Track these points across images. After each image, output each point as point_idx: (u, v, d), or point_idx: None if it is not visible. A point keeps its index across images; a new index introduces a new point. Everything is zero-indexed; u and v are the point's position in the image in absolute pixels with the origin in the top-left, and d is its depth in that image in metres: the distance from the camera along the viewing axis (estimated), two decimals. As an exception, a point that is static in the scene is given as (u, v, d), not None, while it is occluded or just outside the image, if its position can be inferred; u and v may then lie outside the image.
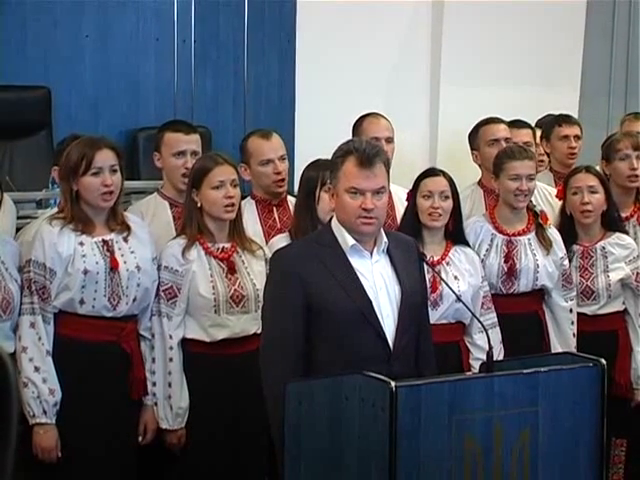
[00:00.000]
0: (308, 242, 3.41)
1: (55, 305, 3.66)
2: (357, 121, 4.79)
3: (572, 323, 4.42)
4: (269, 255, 3.84)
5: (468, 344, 4.11)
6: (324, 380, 3.07)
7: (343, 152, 3.27)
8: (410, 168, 4.64)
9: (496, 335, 4.10)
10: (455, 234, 4.14)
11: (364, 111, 4.87)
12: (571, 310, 4.43)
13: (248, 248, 3.94)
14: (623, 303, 4.54)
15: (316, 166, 4.03)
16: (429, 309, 3.93)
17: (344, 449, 2.97)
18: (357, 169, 3.23)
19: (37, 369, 3.60)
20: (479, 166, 4.93)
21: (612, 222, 4.55)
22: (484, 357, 3.12)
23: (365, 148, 3.26)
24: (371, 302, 3.24)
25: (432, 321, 3.92)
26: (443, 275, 4.02)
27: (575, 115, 6.14)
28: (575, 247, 4.52)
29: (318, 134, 6.12)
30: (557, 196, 4.68)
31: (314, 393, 3.06)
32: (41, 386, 3.60)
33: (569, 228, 4.52)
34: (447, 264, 4.10)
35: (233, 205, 3.85)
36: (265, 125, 4.99)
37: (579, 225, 4.54)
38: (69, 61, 6.02)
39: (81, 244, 3.68)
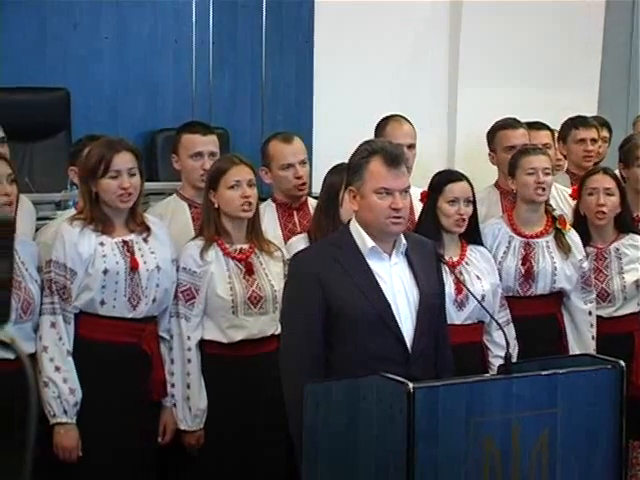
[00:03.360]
0: (326, 244, 3.42)
1: (76, 305, 3.69)
2: (380, 123, 4.77)
3: (591, 326, 4.42)
4: (287, 256, 3.86)
5: (487, 342, 4.12)
6: (342, 382, 3.09)
7: (367, 152, 3.26)
8: (427, 169, 4.64)
9: (511, 331, 4.13)
10: (471, 235, 4.15)
11: (382, 113, 4.87)
12: (590, 313, 4.43)
13: (266, 249, 3.95)
14: (638, 304, 4.54)
15: (338, 171, 4.04)
16: (455, 310, 3.94)
17: (361, 451, 2.98)
18: (385, 169, 3.23)
19: (58, 369, 3.63)
20: (496, 166, 4.92)
21: (625, 224, 4.55)
22: (503, 355, 3.13)
23: (390, 148, 3.26)
24: (389, 305, 3.25)
25: (459, 322, 3.95)
26: (465, 276, 4.03)
27: (594, 114, 6.14)
28: (589, 249, 4.52)
29: (336, 135, 6.12)
30: (571, 196, 4.67)
31: (332, 395, 3.08)
32: (62, 386, 3.62)
33: (582, 229, 4.52)
34: (467, 264, 4.11)
35: (250, 204, 3.87)
36: (283, 127, 5.02)
37: (592, 226, 4.54)
38: (87, 62, 6.05)
39: (101, 244, 3.70)
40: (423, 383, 2.93)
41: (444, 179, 4.11)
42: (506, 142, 4.84)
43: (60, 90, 5.92)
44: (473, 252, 4.15)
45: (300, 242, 3.97)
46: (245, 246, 3.93)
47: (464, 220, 4.05)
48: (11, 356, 3.26)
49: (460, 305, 4.00)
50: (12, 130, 4.84)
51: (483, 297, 3.99)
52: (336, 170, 4.03)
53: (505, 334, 3.41)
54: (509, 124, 4.91)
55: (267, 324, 3.88)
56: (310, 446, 3.13)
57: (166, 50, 6.25)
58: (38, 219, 4.28)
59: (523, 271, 4.33)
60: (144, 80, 6.19)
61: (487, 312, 3.69)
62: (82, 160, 3.80)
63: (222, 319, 3.85)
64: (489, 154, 4.93)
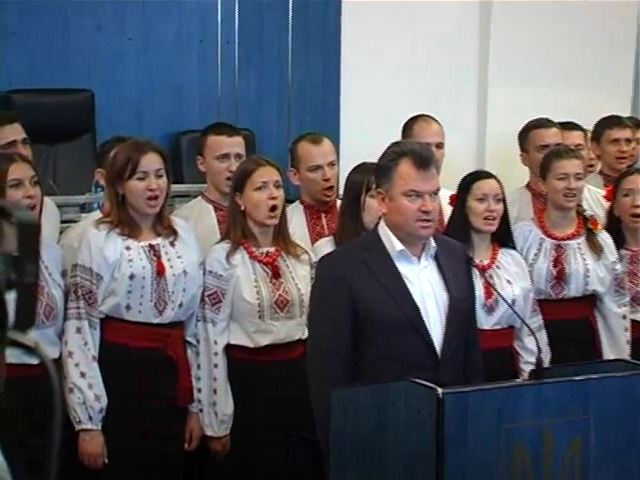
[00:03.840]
0: (354, 247, 3.42)
1: (101, 310, 3.71)
2: (407, 123, 4.78)
3: (625, 330, 4.39)
4: (314, 259, 3.86)
5: (518, 348, 4.10)
6: (370, 387, 3.09)
7: (396, 154, 3.26)
8: (457, 171, 4.63)
9: (543, 337, 4.10)
10: (502, 237, 4.14)
11: (411, 113, 4.87)
12: (624, 316, 4.41)
13: (293, 252, 3.95)
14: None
15: (360, 170, 4.04)
16: (485, 315, 3.93)
17: (390, 456, 2.98)
18: (415, 171, 3.23)
19: (83, 375, 3.65)
20: (528, 167, 4.90)
21: None
22: (534, 361, 3.12)
23: (420, 150, 3.26)
24: (418, 309, 3.25)
25: (488, 327, 3.93)
26: (496, 280, 4.02)
27: (628, 115, 6.10)
28: (623, 252, 4.50)
29: (364, 137, 6.12)
30: (606, 197, 4.65)
31: (360, 400, 3.08)
32: (87, 392, 3.64)
33: (616, 231, 4.49)
34: (497, 268, 4.09)
35: (276, 208, 3.87)
36: (309, 128, 5.02)
37: (626, 228, 4.51)
38: (112, 64, 6.08)
39: (128, 248, 3.72)
40: (452, 388, 2.93)
41: (472, 177, 4.11)
42: (539, 141, 4.82)
43: (85, 92, 5.94)
44: (505, 256, 4.13)
45: (326, 245, 3.98)
46: (272, 249, 3.94)
47: (494, 218, 4.03)
48: (34, 361, 3.27)
49: (489, 310, 3.99)
50: (36, 132, 4.87)
51: (514, 302, 3.98)
52: (357, 170, 4.04)
53: (537, 339, 3.39)
54: (542, 123, 4.90)
55: (294, 328, 3.89)
56: (338, 452, 3.13)
57: (191, 51, 6.26)
58: (62, 222, 4.31)
59: (555, 273, 4.32)
60: (169, 81, 6.21)
61: (518, 316, 3.68)
62: (109, 162, 3.82)
63: (248, 323, 3.86)
64: (520, 154, 4.92)
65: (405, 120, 4.84)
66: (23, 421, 3.47)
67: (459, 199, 4.11)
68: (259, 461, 3.85)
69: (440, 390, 2.85)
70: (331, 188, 4.34)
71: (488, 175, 4.12)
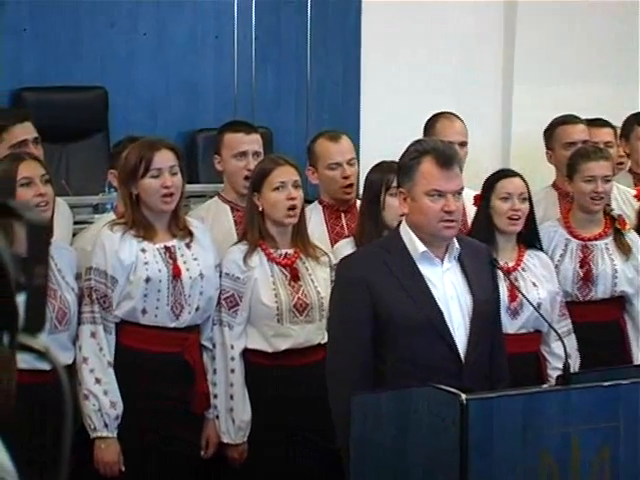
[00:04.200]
0: (375, 248, 3.42)
1: (117, 314, 3.72)
2: (430, 120, 4.77)
3: (657, 332, 4.38)
4: (334, 261, 3.86)
5: (545, 353, 4.09)
6: (391, 392, 3.09)
7: (419, 153, 3.26)
8: (481, 170, 4.63)
9: (572, 343, 4.08)
10: (528, 238, 4.13)
11: (433, 110, 4.86)
12: (655, 319, 4.39)
13: (312, 254, 3.96)
14: None
15: (379, 169, 4.04)
16: (509, 319, 3.92)
17: (411, 464, 2.98)
18: (438, 170, 3.23)
19: (98, 381, 3.66)
20: (554, 166, 4.89)
21: None
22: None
23: (443, 148, 3.26)
24: (441, 312, 3.25)
25: (512, 331, 3.92)
26: (521, 282, 4.01)
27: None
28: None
29: (384, 135, 6.11)
30: (636, 196, 4.63)
31: (381, 406, 3.08)
32: (102, 398, 3.66)
33: None
34: (523, 270, 4.08)
35: (295, 208, 3.87)
36: (328, 126, 5.02)
37: (658, 229, 4.50)
38: (126, 61, 6.10)
39: (143, 251, 3.73)
40: (477, 394, 2.93)
41: (496, 176, 4.10)
42: (565, 138, 4.79)
43: (98, 89, 5.97)
44: (531, 257, 4.12)
45: (346, 246, 3.98)
46: (290, 251, 3.94)
47: (519, 218, 4.02)
48: (46, 367, 3.28)
49: (514, 313, 3.98)
50: (48, 131, 4.89)
51: (539, 305, 3.96)
52: (376, 169, 4.04)
53: (564, 344, 3.38)
54: (568, 120, 4.87)
55: (313, 332, 3.89)
56: (358, 458, 3.13)
57: (207, 47, 6.28)
58: (75, 223, 4.33)
59: (582, 274, 4.30)
60: (184, 78, 6.22)
61: (545, 320, 3.67)
62: (121, 162, 3.83)
63: (266, 327, 3.86)
64: (546, 152, 4.90)
65: (427, 118, 4.84)
66: (35, 428, 3.48)
67: (483, 199, 4.10)
68: (277, 466, 3.85)
69: (464, 396, 2.85)
70: (351, 186, 4.34)
71: (512, 174, 4.12)
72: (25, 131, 4.19)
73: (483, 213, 4.08)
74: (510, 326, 3.94)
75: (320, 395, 3.50)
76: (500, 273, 3.62)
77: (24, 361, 3.38)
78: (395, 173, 3.70)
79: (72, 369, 3.65)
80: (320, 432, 3.75)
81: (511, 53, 6.88)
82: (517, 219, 4.02)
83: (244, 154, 4.26)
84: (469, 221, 4.26)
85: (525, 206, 4.04)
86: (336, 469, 3.47)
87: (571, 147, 4.68)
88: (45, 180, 3.67)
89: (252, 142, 4.30)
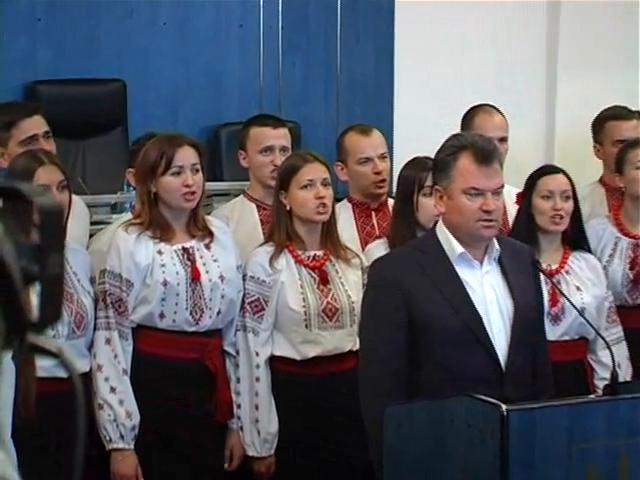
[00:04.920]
0: (410, 250, 3.42)
1: (133, 319, 3.74)
2: (468, 113, 4.76)
3: None
4: (366, 263, 3.87)
5: (592, 362, 4.07)
6: (427, 403, 3.09)
7: (456, 148, 3.26)
8: (521, 165, 4.61)
9: (622, 351, 4.06)
10: (574, 238, 4.11)
11: (471, 104, 4.85)
12: None
13: (342, 256, 3.96)
14: None
15: (413, 166, 4.04)
16: (550, 325, 3.91)
17: (448, 478, 2.98)
18: (476, 167, 3.22)
19: (113, 389, 3.68)
20: (602, 160, 4.85)
21: None
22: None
23: (481, 143, 3.25)
24: (481, 318, 3.25)
25: (554, 338, 3.91)
26: (563, 285, 4.00)
27: None
28: None
29: (419, 129, 6.11)
30: None
31: (415, 417, 3.08)
32: (118, 408, 3.67)
33: None
34: (567, 273, 4.07)
35: (325, 206, 3.88)
36: (360, 119, 5.02)
37: None
38: (145, 52, 6.12)
39: (160, 253, 3.74)
40: (518, 405, 2.92)
41: (537, 173, 4.09)
42: (616, 135, 4.76)
43: (116, 82, 5.99)
44: (577, 260, 4.10)
45: (379, 248, 3.98)
46: (319, 252, 3.94)
47: (562, 217, 4.01)
48: (63, 374, 3.31)
49: (555, 319, 3.96)
50: (63, 126, 4.92)
51: (582, 311, 3.94)
52: (409, 166, 4.03)
53: (612, 352, 3.36)
54: (620, 114, 4.82)
55: (344, 339, 3.89)
56: (391, 472, 3.13)
57: (230, 36, 6.29)
58: (92, 223, 4.34)
59: (632, 276, 4.28)
60: (207, 70, 6.24)
61: (590, 326, 3.66)
62: (140, 158, 3.84)
63: (294, 333, 3.87)
64: (594, 146, 4.87)
65: (465, 111, 4.83)
66: (50, 438, 3.51)
67: (524, 197, 4.09)
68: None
69: (504, 407, 2.84)
70: (383, 181, 4.34)
71: (555, 170, 4.10)
72: (35, 125, 4.19)
73: (524, 212, 4.08)
74: (551, 332, 3.93)
75: (351, 405, 3.50)
76: (542, 276, 3.61)
77: (43, 369, 3.40)
78: (429, 171, 3.70)
79: (89, 377, 3.67)
80: (351, 444, 3.75)
81: (555, 40, 6.85)
82: (560, 218, 4.00)
83: (271, 149, 4.27)
84: (510, 220, 4.25)
85: (568, 205, 4.02)
86: (368, 482, 3.47)
87: (622, 145, 4.64)
88: (62, 187, 3.68)
89: (279, 137, 4.31)
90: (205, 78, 6.23)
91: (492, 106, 4.79)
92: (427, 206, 3.85)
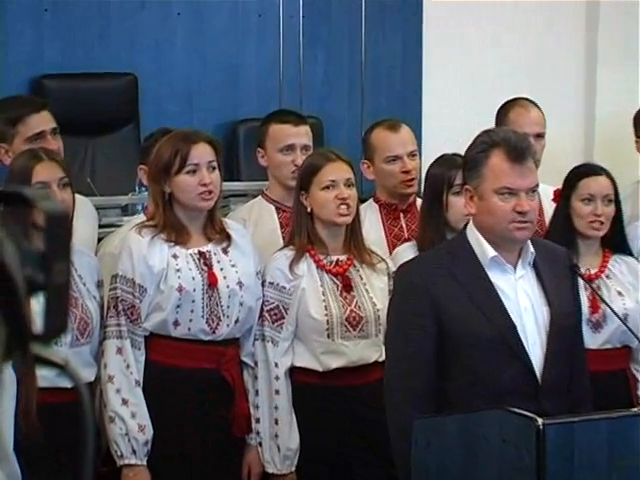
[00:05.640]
0: (439, 254, 3.42)
1: (145, 327, 3.75)
2: (502, 108, 4.76)
3: None
4: (393, 268, 3.87)
5: (635, 372, 4.08)
6: (458, 417, 3.09)
7: (487, 145, 3.26)
8: (560, 163, 4.61)
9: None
10: (614, 241, 4.10)
11: (505, 98, 4.85)
12: None
13: (367, 261, 3.96)
14: None
15: (441, 163, 4.04)
16: (590, 332, 3.90)
17: (482, 498, 2.98)
18: (508, 165, 3.22)
19: (125, 402, 3.69)
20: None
21: None
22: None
23: (515, 139, 3.25)
24: (515, 326, 3.25)
25: (595, 346, 3.90)
26: (604, 291, 3.99)
27: None
28: None
29: (449, 125, 6.11)
30: None
31: (446, 431, 3.08)
32: (130, 422, 3.68)
33: None
34: (607, 277, 4.07)
35: (348, 207, 3.88)
36: (386, 116, 5.01)
37: None
38: (158, 43, 6.14)
39: (175, 257, 3.76)
40: (555, 419, 2.92)
41: (578, 173, 4.08)
42: None
43: (127, 76, 6.01)
44: (617, 263, 4.10)
45: (408, 251, 3.98)
46: (342, 257, 3.95)
47: (602, 223, 4.01)
48: (66, 384, 3.33)
49: (596, 326, 3.96)
50: (72, 123, 4.94)
51: (625, 317, 3.94)
52: (437, 163, 4.03)
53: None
54: None
55: (368, 349, 3.90)
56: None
57: (249, 27, 6.30)
58: (101, 226, 4.36)
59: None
60: (223, 63, 6.25)
61: (633, 334, 3.65)
62: (153, 156, 3.86)
63: (315, 343, 3.88)
64: (636, 141, 4.87)
65: (498, 106, 4.83)
66: (54, 453, 3.53)
67: (562, 197, 4.09)
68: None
69: (540, 420, 2.84)
70: (412, 181, 4.34)
71: (598, 171, 4.09)
72: (42, 121, 4.22)
73: (562, 213, 4.07)
74: (592, 341, 3.93)
75: (376, 419, 3.51)
76: (581, 281, 3.61)
77: (45, 379, 3.41)
78: (458, 169, 3.70)
79: (94, 387, 3.69)
80: (377, 459, 3.76)
81: (595, 27, 6.83)
82: (600, 224, 4.00)
83: (291, 148, 4.28)
84: (547, 221, 4.25)
85: (610, 209, 4.02)
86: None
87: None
88: (63, 184, 3.69)
89: (301, 135, 4.32)
90: (221, 71, 6.25)
91: (529, 100, 4.79)
92: (457, 206, 3.86)
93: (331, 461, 3.88)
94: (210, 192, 3.75)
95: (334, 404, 3.86)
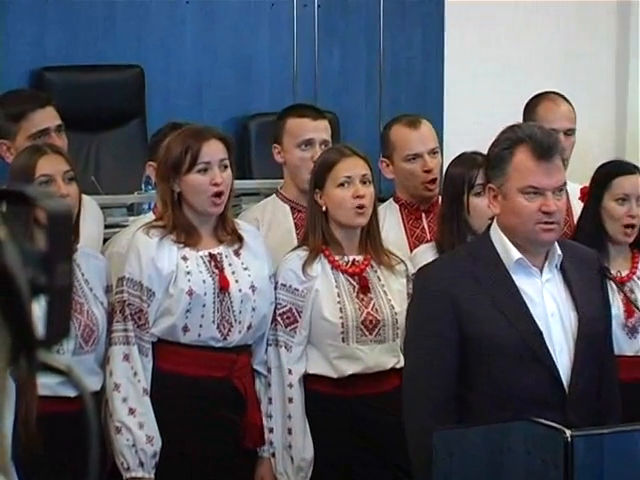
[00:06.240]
0: (461, 256, 3.43)
1: (153, 333, 3.76)
2: (530, 103, 4.75)
3: None
4: (412, 271, 3.87)
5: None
6: (481, 428, 3.09)
7: (511, 141, 3.26)
8: (589, 161, 4.60)
9: None
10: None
11: (531, 92, 4.84)
12: None
13: (385, 262, 3.96)
14: None
15: (461, 162, 4.04)
16: (626, 338, 3.90)
17: (506, 513, 2.98)
18: (534, 163, 3.23)
19: (132, 411, 3.69)
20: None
21: None
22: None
23: (541, 135, 3.25)
24: (541, 333, 3.25)
25: (631, 353, 3.91)
26: (637, 294, 4.00)
27: None
28: None
29: (473, 120, 6.11)
30: None
31: (468, 443, 3.09)
32: (137, 432, 3.69)
33: None
34: (639, 280, 4.06)
35: (363, 207, 3.88)
36: (405, 111, 5.02)
37: None
38: (166, 34, 6.15)
39: (184, 259, 3.76)
40: (584, 430, 2.92)
41: (611, 171, 4.07)
42: None
43: (133, 68, 6.02)
44: (649, 264, 4.10)
45: (427, 253, 3.98)
46: (359, 257, 3.95)
47: (633, 227, 4.00)
48: (69, 393, 3.34)
49: (631, 331, 3.96)
50: (75, 117, 4.95)
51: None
52: (457, 162, 4.03)
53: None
54: None
55: (386, 355, 3.90)
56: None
57: (261, 16, 6.31)
58: (107, 227, 4.36)
59: None
60: (234, 55, 6.26)
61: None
62: (162, 154, 3.87)
63: (330, 348, 3.88)
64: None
65: (525, 101, 4.82)
66: (55, 466, 3.54)
67: (593, 196, 4.07)
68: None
69: (568, 432, 2.84)
70: (434, 181, 4.34)
71: (631, 169, 4.08)
72: (47, 118, 4.23)
73: (592, 213, 4.06)
74: (628, 347, 3.92)
75: (394, 429, 3.51)
76: (612, 284, 3.60)
77: (46, 387, 3.41)
78: (479, 168, 3.70)
79: (100, 397, 3.69)
80: (394, 471, 3.76)
81: (626, 14, 6.82)
82: (632, 228, 3.99)
83: (310, 143, 4.28)
84: (575, 221, 4.24)
85: None
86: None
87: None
88: (69, 178, 3.70)
89: (320, 129, 4.33)
90: (232, 63, 6.25)
91: (558, 94, 4.78)
92: (479, 207, 3.86)
93: (347, 473, 3.88)
94: (220, 195, 3.74)
95: (350, 413, 3.86)
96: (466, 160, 4.01)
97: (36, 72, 5.82)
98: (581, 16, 6.79)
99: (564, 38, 6.75)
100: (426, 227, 4.34)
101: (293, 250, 3.96)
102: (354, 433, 3.88)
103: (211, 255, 3.80)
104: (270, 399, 3.87)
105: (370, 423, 3.87)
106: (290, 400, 3.86)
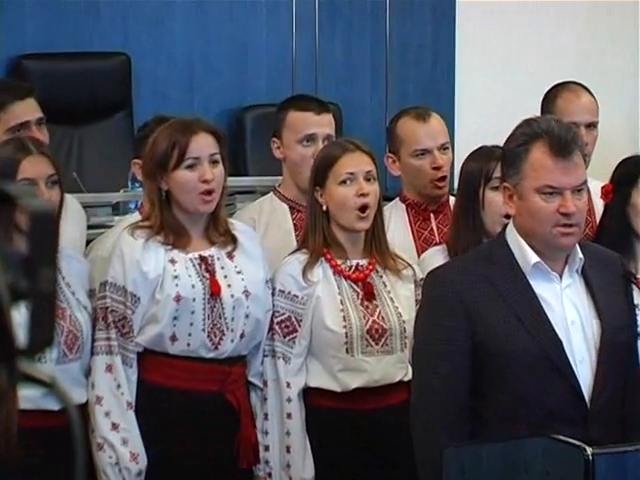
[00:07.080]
0: (474, 259, 3.42)
1: (139, 342, 3.75)
2: (549, 94, 4.74)
3: None
4: (421, 275, 3.87)
5: None
6: (496, 445, 3.09)
7: (528, 137, 3.25)
8: (612, 156, 4.60)
9: None
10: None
11: (547, 84, 4.84)
12: None
13: (391, 266, 3.96)
14: None
15: (478, 156, 4.04)
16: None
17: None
18: (552, 160, 3.22)
19: (115, 426, 3.69)
20: None
21: None
22: None
23: (559, 130, 3.25)
24: (560, 342, 3.25)
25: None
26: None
27: None
28: None
29: (486, 113, 6.12)
30: None
31: (483, 460, 3.08)
32: (120, 449, 3.68)
33: None
34: (665, 284, 4.07)
35: (366, 209, 3.88)
36: (414, 102, 5.03)
37: None
38: (154, 19, 6.16)
39: (172, 262, 3.76)
40: (606, 448, 2.92)
41: (638, 166, 4.07)
42: None
43: (118, 56, 6.03)
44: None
45: (437, 256, 3.98)
46: (363, 261, 3.95)
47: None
48: (54, 407, 3.34)
49: None
50: (56, 110, 4.94)
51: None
52: (474, 156, 4.03)
53: None
54: None
55: (393, 366, 3.89)
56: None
57: (258, 1, 6.32)
58: (90, 227, 4.37)
59: None
60: (229, 41, 6.27)
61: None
62: (147, 149, 3.87)
63: (332, 359, 3.88)
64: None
65: (541, 93, 4.82)
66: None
67: (618, 194, 4.07)
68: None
69: (589, 450, 2.84)
70: (444, 179, 4.34)
71: None
72: (27, 110, 4.24)
73: (618, 212, 4.06)
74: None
75: (402, 446, 3.51)
76: (638, 290, 3.60)
77: (28, 400, 3.41)
78: (497, 160, 3.69)
79: (86, 409, 3.69)
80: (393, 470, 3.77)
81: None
82: None
83: (313, 138, 4.28)
84: (597, 222, 4.24)
85: None
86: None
87: None
88: (52, 182, 3.70)
89: (323, 124, 4.32)
90: (226, 50, 6.26)
91: (580, 84, 4.78)
92: (494, 203, 3.85)
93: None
94: (211, 192, 3.74)
95: (354, 429, 3.86)
96: (484, 153, 4.01)
97: (13, 60, 5.84)
98: (598, 5, 6.81)
99: (582, 26, 6.77)
100: (435, 229, 4.34)
101: (292, 253, 3.96)
102: (358, 451, 3.87)
103: (202, 258, 3.80)
104: (266, 414, 3.87)
105: (375, 440, 3.86)
106: (289, 416, 3.86)
